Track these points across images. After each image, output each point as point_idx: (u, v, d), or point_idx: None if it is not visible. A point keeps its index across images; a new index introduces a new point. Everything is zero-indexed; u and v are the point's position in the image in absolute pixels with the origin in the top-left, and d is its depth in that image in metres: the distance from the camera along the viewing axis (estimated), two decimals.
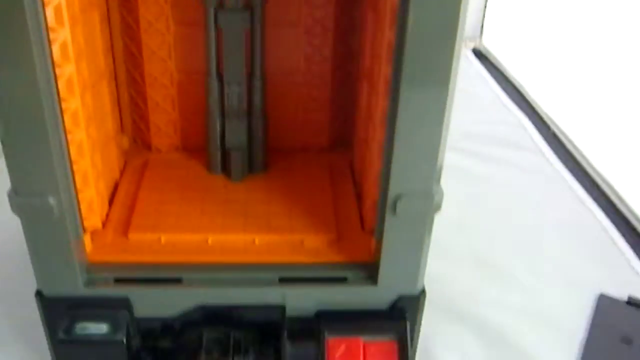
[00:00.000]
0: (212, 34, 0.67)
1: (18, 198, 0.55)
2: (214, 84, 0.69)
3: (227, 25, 0.66)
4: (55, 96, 0.51)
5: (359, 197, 0.72)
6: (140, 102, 0.77)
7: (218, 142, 0.72)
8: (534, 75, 1.19)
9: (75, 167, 0.57)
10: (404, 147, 0.53)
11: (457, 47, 0.48)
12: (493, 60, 1.32)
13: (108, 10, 0.71)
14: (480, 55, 1.35)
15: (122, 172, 0.75)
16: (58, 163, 0.53)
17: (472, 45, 1.36)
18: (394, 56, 0.50)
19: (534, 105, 1.13)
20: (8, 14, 0.46)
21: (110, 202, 0.70)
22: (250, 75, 0.70)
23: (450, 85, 0.50)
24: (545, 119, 1.10)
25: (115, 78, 0.75)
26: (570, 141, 1.03)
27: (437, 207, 0.57)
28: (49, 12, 0.50)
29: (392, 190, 0.55)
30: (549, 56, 1.16)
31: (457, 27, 0.47)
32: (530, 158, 0.99)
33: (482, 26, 1.36)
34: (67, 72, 0.55)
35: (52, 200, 0.54)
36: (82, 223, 0.59)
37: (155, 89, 0.75)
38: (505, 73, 1.26)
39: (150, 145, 0.79)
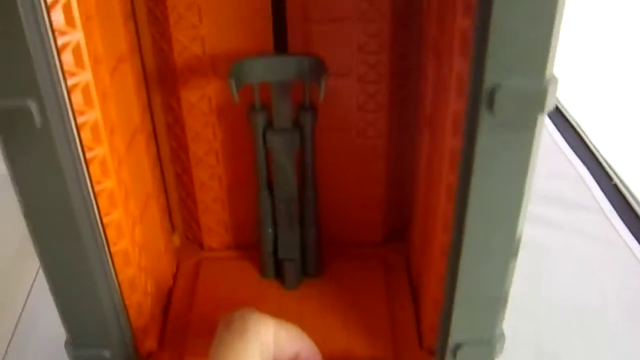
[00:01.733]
0: (262, 153, 0.67)
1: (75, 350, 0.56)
2: (265, 197, 0.69)
3: (276, 146, 0.66)
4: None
5: (416, 296, 0.71)
6: (190, 203, 0.77)
7: (271, 252, 0.72)
8: (596, 119, 1.15)
9: (127, 302, 0.58)
10: (465, 300, 0.52)
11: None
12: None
13: (154, 124, 0.72)
14: None
15: (174, 276, 0.76)
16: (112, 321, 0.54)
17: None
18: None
19: (595, 152, 1.10)
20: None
21: (165, 310, 0.71)
22: (302, 187, 0.69)
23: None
24: (607, 168, 1.06)
25: (164, 180, 0.76)
26: (634, 197, 0.99)
27: (499, 353, 0.56)
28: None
29: (453, 339, 0.55)
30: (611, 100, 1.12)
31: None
32: (592, 220, 0.96)
33: None
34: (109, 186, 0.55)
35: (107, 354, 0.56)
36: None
37: (204, 191, 0.75)
38: (565, 115, 1.21)
39: (202, 243, 0.79)
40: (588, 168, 1.06)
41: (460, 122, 0.47)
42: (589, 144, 1.12)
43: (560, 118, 1.19)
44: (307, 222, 0.71)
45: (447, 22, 0.51)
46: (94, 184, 0.51)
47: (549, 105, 0.44)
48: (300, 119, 0.65)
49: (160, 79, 0.70)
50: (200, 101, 0.69)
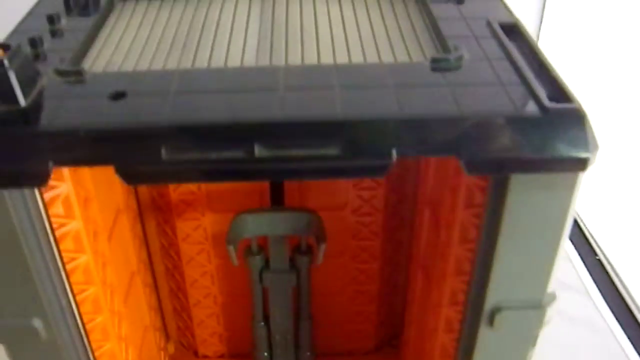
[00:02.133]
0: (259, 290, 0.68)
1: None
2: (261, 328, 0.70)
3: (272, 285, 0.67)
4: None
5: None
6: (186, 317, 0.78)
7: None
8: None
9: None
10: None
11: None
12: None
13: (148, 247, 0.72)
14: None
15: None
16: None
17: None
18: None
19: (582, 226, 1.12)
20: None
21: None
22: (298, 318, 0.70)
23: None
24: (592, 242, 1.08)
25: (159, 295, 0.77)
26: (617, 273, 1.02)
27: None
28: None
29: None
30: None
31: None
32: (575, 300, 0.98)
33: None
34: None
35: None
36: None
37: (199, 308, 0.76)
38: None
39: (197, 351, 0.81)
40: (573, 243, 1.08)
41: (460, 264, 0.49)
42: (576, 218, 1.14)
43: None
44: (302, 347, 0.72)
45: (443, 213, 0.53)
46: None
47: (548, 321, 0.45)
48: (296, 261, 0.66)
49: (155, 208, 0.70)
50: (196, 231, 0.70)
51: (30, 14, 0.53)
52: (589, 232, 1.10)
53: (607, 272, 1.04)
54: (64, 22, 0.51)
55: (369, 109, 0.39)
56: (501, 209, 0.40)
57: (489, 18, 0.49)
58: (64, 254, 0.46)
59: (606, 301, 0.99)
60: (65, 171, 0.45)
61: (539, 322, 0.46)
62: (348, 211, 0.68)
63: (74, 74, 0.44)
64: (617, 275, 1.03)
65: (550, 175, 0.40)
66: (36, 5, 0.55)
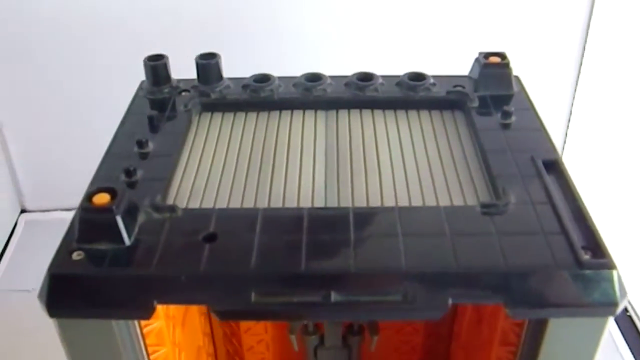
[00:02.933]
0: None
1: None
2: None
3: None
4: None
5: None
6: None
7: None
8: None
9: None
10: None
11: None
12: None
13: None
14: None
15: None
16: None
17: None
18: None
19: None
20: None
21: None
22: None
23: None
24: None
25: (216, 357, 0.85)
26: None
27: None
28: None
29: None
30: None
31: None
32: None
33: None
34: None
35: None
36: None
37: None
38: None
39: None
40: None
41: None
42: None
43: None
44: None
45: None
46: None
47: None
48: (349, 339, 0.72)
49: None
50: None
51: (116, 136, 0.61)
52: None
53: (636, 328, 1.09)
54: (151, 145, 0.58)
55: (428, 261, 0.46)
56: (537, 348, 0.47)
57: (533, 154, 0.55)
58: None
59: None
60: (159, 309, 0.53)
61: None
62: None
63: (168, 210, 0.51)
64: None
65: (583, 319, 0.46)
66: (121, 125, 0.62)
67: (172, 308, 0.60)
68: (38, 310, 1.17)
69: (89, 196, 0.48)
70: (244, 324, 0.79)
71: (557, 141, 1.30)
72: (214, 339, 0.82)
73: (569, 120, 1.30)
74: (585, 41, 1.17)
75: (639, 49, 1.12)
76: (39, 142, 1.24)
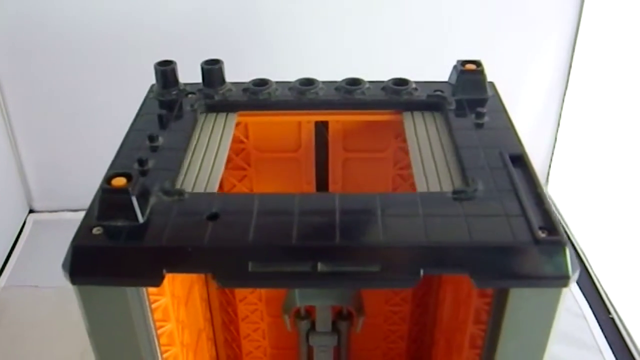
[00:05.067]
0: (305, 349, 0.82)
1: None
2: None
3: (317, 345, 0.81)
4: None
5: None
6: None
7: None
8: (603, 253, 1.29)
9: None
10: None
11: None
12: None
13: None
14: None
15: None
16: None
17: None
18: None
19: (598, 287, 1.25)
20: None
21: None
22: None
23: None
24: (607, 302, 1.21)
25: (215, 342, 0.92)
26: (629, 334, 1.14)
27: None
28: None
29: None
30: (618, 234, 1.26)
31: None
32: (589, 357, 1.11)
33: None
34: None
35: None
36: None
37: (250, 358, 0.91)
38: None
39: None
40: (589, 302, 1.21)
41: None
42: (592, 276, 1.27)
43: None
44: None
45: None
46: None
47: None
48: (338, 324, 0.80)
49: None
50: (252, 293, 0.85)
51: (130, 131, 0.69)
52: (604, 291, 1.23)
53: (619, 331, 1.16)
54: (160, 139, 0.66)
55: (403, 237, 0.54)
56: (501, 318, 0.54)
57: (501, 149, 0.63)
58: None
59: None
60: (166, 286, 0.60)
61: None
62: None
63: (176, 194, 0.59)
64: (629, 334, 1.15)
65: (541, 290, 0.53)
66: (134, 123, 0.70)
67: (177, 288, 0.68)
68: (45, 305, 1.26)
69: (107, 179, 0.56)
70: (242, 311, 0.87)
71: (547, 144, 1.39)
72: (213, 326, 0.89)
73: (559, 125, 1.38)
74: (573, 50, 1.25)
75: (628, 53, 1.19)
76: (48, 145, 1.33)
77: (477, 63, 0.72)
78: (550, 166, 1.47)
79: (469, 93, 0.71)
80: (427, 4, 1.17)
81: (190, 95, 0.73)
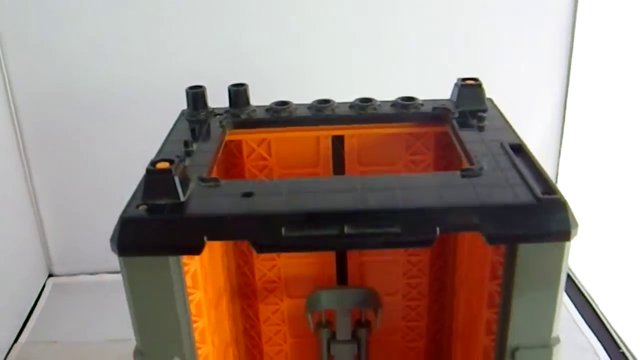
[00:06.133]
0: (326, 358, 0.86)
1: None
2: None
3: (338, 354, 0.85)
4: None
5: None
6: None
7: None
8: (607, 287, 1.34)
9: None
10: None
11: None
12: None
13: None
14: None
15: None
16: None
17: None
18: None
19: (605, 323, 1.29)
20: None
21: None
22: None
23: None
24: (616, 338, 1.25)
25: None
26: None
27: None
28: None
29: None
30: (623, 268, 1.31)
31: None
32: None
33: None
34: None
35: None
36: None
37: None
38: (576, 283, 1.42)
39: None
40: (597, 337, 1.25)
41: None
42: (599, 313, 1.31)
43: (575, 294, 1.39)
44: None
45: (473, 311, 0.72)
46: None
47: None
48: (357, 333, 0.85)
49: (241, 295, 0.91)
50: (274, 314, 0.90)
51: (167, 140, 0.77)
52: (612, 328, 1.27)
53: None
54: (194, 145, 0.74)
55: (420, 202, 0.60)
56: (513, 271, 0.60)
57: (502, 142, 0.71)
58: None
59: None
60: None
61: (548, 357, 0.64)
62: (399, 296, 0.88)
63: (212, 181, 0.66)
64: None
65: (546, 244, 0.60)
66: (169, 135, 0.78)
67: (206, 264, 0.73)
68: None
69: (152, 163, 0.63)
70: (265, 335, 0.91)
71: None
72: (238, 350, 0.93)
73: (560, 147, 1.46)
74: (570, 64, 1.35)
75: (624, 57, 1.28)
76: (69, 209, 1.40)
77: (476, 79, 0.81)
78: None
79: (470, 105, 0.80)
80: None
81: (217, 116, 0.82)
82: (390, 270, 0.87)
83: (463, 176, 0.65)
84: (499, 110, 0.80)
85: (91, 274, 1.43)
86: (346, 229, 0.59)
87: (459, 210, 0.60)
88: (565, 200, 0.60)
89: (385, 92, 0.83)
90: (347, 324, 0.84)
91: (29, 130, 1.33)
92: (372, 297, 0.81)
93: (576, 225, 0.59)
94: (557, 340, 0.64)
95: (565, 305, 1.35)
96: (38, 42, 1.26)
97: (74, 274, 1.45)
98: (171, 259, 0.61)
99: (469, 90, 0.80)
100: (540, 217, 0.59)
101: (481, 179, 0.64)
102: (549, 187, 0.62)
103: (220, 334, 0.80)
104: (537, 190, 0.61)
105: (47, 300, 1.39)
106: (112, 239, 0.61)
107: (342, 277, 0.87)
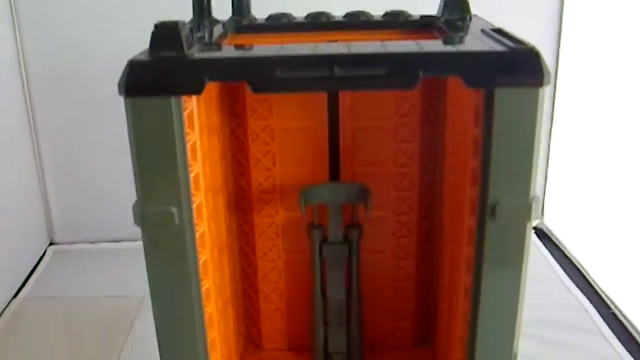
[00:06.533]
0: (318, 262, 0.90)
1: None
2: (319, 300, 0.91)
3: (330, 256, 0.89)
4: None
5: None
6: (254, 313, 0.99)
7: (322, 348, 0.93)
8: (596, 255, 1.38)
9: None
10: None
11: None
12: (555, 240, 1.53)
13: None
14: (542, 234, 1.56)
15: None
16: None
17: (533, 224, 1.55)
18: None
19: (595, 287, 1.32)
20: None
21: None
22: (349, 292, 0.91)
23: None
24: (606, 300, 1.28)
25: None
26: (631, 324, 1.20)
27: None
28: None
29: None
30: (612, 236, 1.35)
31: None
32: (593, 341, 1.16)
33: (544, 206, 1.58)
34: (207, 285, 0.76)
35: None
36: None
37: (267, 303, 0.98)
38: (566, 253, 1.45)
39: (262, 346, 1.00)
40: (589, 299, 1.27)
41: (471, 234, 0.71)
42: (588, 278, 1.34)
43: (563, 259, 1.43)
44: (353, 321, 0.92)
45: (460, 160, 0.77)
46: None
47: (534, 217, 0.67)
48: (349, 235, 0.88)
49: (237, 209, 0.95)
50: (270, 228, 0.94)
51: None
52: (602, 291, 1.30)
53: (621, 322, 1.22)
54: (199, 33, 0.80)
55: (405, 48, 0.66)
56: (491, 116, 0.65)
57: (482, 28, 0.77)
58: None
59: (621, 342, 1.16)
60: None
61: (527, 214, 0.68)
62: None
63: (216, 45, 0.72)
64: (630, 324, 1.20)
65: (520, 89, 0.65)
66: None
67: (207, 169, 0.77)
68: (60, 315, 1.34)
69: (161, 23, 0.69)
70: (260, 250, 0.95)
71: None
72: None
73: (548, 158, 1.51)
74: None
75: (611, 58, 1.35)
76: (72, 177, 1.45)
77: None
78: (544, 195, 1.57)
79: (455, 14, 0.86)
80: None
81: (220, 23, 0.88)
82: (382, 180, 0.91)
83: (445, 43, 0.71)
84: (485, 20, 0.86)
85: (92, 242, 1.46)
86: (336, 71, 0.64)
87: (440, 55, 0.66)
88: (537, 51, 0.65)
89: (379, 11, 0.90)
90: (338, 224, 0.88)
91: (40, 104, 1.39)
92: (363, 192, 0.85)
93: (548, 72, 0.65)
94: (536, 198, 0.68)
95: (559, 276, 1.38)
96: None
97: (75, 242, 1.48)
98: (173, 100, 0.66)
99: (454, 1, 0.87)
100: (514, 63, 0.64)
101: (462, 45, 0.70)
102: (522, 43, 0.67)
103: (215, 237, 0.83)
104: (511, 44, 0.67)
105: (47, 264, 1.43)
106: (119, 83, 0.66)
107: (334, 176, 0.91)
